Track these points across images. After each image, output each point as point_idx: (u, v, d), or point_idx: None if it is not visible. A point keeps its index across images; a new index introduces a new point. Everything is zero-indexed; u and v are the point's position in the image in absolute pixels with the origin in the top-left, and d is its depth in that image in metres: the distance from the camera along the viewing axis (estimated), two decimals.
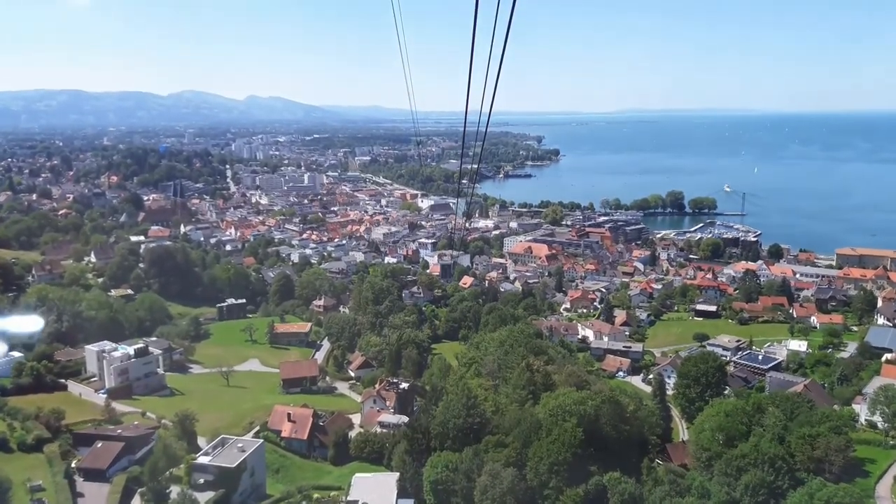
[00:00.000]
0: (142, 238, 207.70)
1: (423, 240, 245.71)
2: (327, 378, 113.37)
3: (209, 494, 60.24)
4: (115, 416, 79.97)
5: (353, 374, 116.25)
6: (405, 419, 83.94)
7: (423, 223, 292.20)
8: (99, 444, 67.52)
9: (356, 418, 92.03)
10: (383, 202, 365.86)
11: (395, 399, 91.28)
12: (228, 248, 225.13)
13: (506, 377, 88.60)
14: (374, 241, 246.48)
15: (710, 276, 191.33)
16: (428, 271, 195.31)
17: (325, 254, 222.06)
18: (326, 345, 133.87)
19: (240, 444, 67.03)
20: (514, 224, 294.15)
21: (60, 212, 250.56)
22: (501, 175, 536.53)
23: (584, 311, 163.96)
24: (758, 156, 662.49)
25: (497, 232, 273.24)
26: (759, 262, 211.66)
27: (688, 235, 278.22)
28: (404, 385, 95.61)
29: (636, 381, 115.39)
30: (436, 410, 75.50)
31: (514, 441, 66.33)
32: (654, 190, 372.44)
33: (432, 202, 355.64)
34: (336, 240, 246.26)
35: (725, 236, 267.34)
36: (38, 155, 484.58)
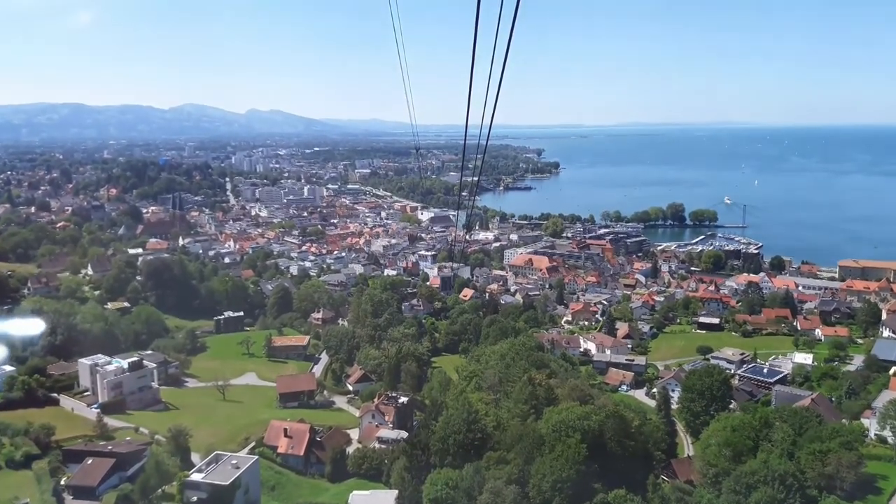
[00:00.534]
0: (140, 250, 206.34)
1: (422, 252, 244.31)
2: (325, 392, 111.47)
3: None
4: (108, 432, 78.19)
5: (351, 387, 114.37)
6: (404, 434, 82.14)
7: (422, 235, 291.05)
8: (89, 461, 65.68)
9: (354, 433, 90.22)
10: (383, 214, 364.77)
11: (393, 414, 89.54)
12: (227, 260, 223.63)
13: (507, 391, 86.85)
14: (374, 253, 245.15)
15: (712, 288, 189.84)
16: (428, 283, 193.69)
17: (325, 266, 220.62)
18: (325, 358, 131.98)
19: (234, 461, 65.14)
20: (514, 236, 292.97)
21: (58, 224, 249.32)
22: (501, 187, 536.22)
23: (586, 323, 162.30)
24: (758, 168, 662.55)
25: (497, 244, 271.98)
26: (761, 274, 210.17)
27: (689, 247, 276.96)
28: (403, 399, 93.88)
29: (639, 394, 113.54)
30: (436, 425, 73.76)
31: (516, 457, 64.61)
32: (654, 202, 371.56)
33: (432, 214, 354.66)
34: (335, 252, 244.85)
35: (727, 248, 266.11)
36: (37, 168, 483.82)
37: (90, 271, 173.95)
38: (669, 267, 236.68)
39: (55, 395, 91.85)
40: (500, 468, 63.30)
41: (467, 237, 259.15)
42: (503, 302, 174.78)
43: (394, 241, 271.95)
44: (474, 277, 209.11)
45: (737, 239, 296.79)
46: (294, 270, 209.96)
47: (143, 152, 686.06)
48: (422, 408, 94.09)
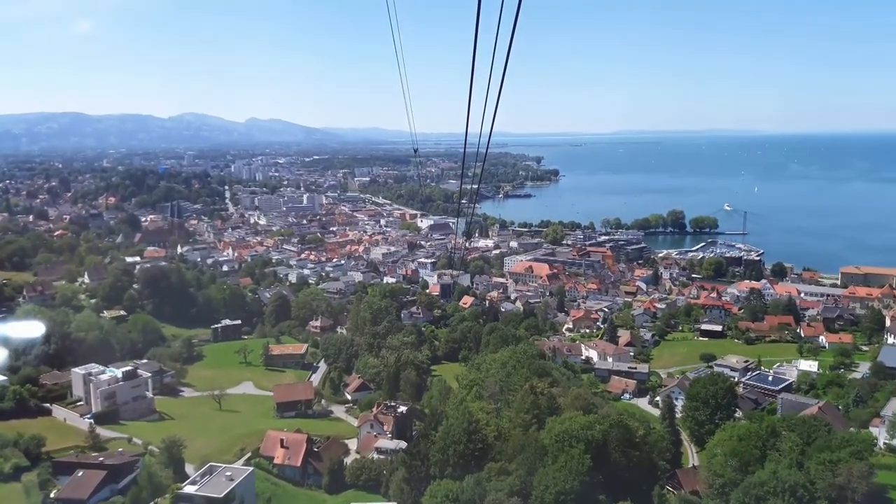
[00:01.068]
0: (137, 259, 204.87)
1: (422, 259, 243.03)
2: (323, 401, 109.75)
3: None
4: (100, 443, 76.46)
5: (349, 396, 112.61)
6: (403, 444, 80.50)
7: (422, 243, 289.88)
8: (80, 473, 64.05)
9: (352, 444, 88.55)
10: (382, 222, 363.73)
11: (392, 423, 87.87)
12: (225, 268, 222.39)
13: (508, 400, 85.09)
14: (373, 261, 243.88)
15: (714, 295, 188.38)
16: (427, 291, 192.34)
17: (324, 274, 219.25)
18: (323, 367, 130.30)
19: (228, 473, 63.59)
20: (514, 243, 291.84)
21: (56, 233, 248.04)
22: (501, 195, 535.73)
23: (587, 331, 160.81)
24: (757, 175, 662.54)
25: (497, 251, 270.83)
26: (763, 281, 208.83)
27: (690, 254, 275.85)
28: (402, 408, 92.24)
29: (642, 403, 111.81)
30: (435, 435, 72.06)
31: (518, 468, 62.93)
32: (654, 210, 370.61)
33: (432, 222, 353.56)
34: (334, 260, 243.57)
35: (728, 255, 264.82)
36: (36, 177, 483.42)
37: (87, 279, 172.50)
38: (670, 274, 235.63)
39: (48, 405, 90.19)
40: (502, 479, 61.63)
41: (467, 244, 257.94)
42: (503, 309, 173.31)
43: (393, 248, 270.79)
44: (474, 285, 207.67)
45: (738, 246, 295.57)
46: (293, 278, 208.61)
47: (142, 161, 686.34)
48: (421, 417, 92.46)
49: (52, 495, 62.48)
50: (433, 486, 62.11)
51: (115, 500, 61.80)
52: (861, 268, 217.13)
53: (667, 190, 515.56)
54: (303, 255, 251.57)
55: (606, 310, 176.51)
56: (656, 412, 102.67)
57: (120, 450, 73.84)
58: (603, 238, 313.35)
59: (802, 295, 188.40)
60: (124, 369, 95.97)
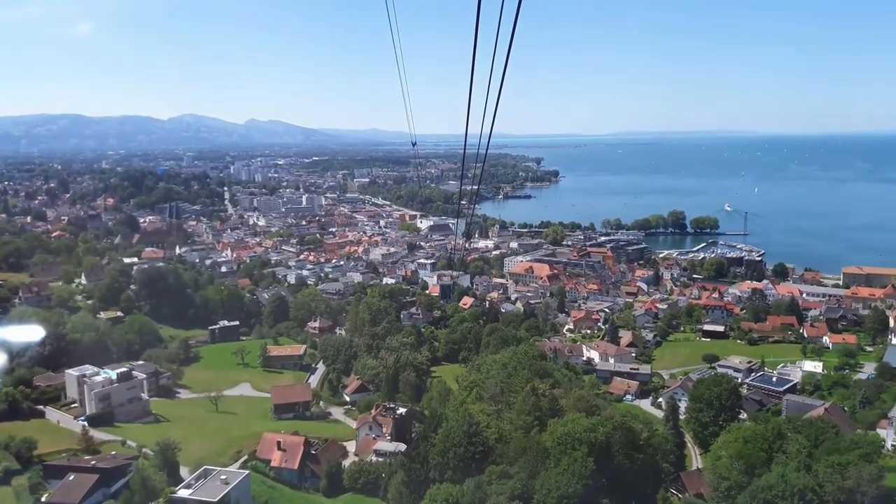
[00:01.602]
0: (135, 259, 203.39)
1: (422, 260, 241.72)
2: (321, 403, 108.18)
3: None
4: (93, 446, 74.77)
5: (348, 398, 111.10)
6: (403, 447, 79.03)
7: (422, 244, 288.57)
8: (71, 477, 62.41)
9: (351, 446, 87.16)
10: (382, 223, 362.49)
11: (391, 425, 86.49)
12: (224, 269, 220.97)
13: (509, 402, 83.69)
14: (373, 261, 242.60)
15: (715, 295, 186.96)
16: (427, 292, 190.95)
17: (323, 275, 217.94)
18: (321, 368, 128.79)
19: (223, 476, 62.02)
20: (514, 244, 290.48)
21: (54, 234, 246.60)
22: (501, 196, 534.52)
23: (588, 331, 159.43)
24: (757, 176, 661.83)
25: (497, 252, 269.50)
26: (765, 281, 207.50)
27: (691, 255, 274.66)
28: (402, 410, 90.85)
29: (645, 404, 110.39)
30: (435, 438, 70.69)
31: (519, 472, 61.50)
32: (654, 210, 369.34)
33: (431, 223, 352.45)
34: (334, 261, 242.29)
35: (729, 256, 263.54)
36: (35, 178, 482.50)
37: (84, 281, 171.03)
38: (671, 274, 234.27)
39: (41, 406, 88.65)
40: (503, 483, 60.21)
41: (467, 245, 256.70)
42: (504, 310, 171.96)
43: (393, 249, 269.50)
44: (474, 286, 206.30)
45: (738, 246, 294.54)
46: (292, 279, 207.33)
47: (141, 162, 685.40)
48: (421, 419, 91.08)
49: (42, 499, 61.00)
50: (433, 489, 60.81)
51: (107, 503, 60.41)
52: (863, 268, 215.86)
53: (667, 191, 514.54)
54: (302, 256, 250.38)
55: (607, 310, 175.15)
56: (659, 414, 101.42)
57: (113, 453, 72.43)
58: (603, 239, 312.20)
59: (804, 295, 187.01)
60: (119, 371, 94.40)
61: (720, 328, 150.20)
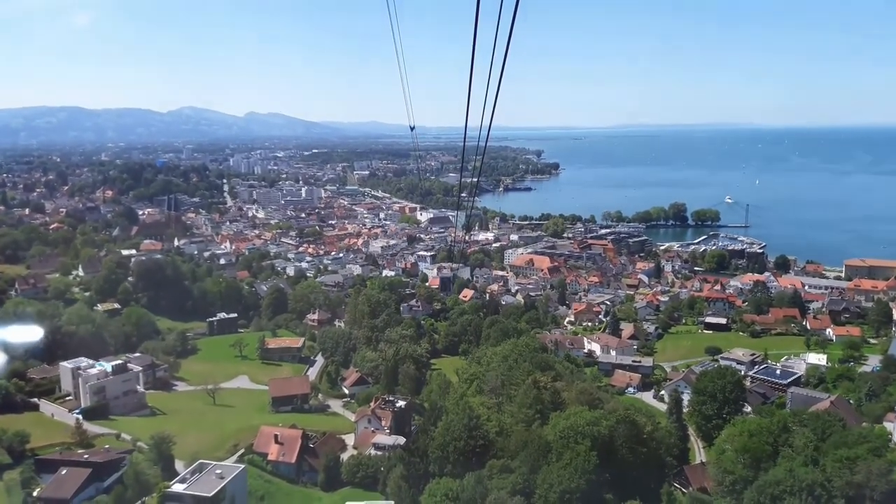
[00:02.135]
0: (133, 251, 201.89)
1: (422, 252, 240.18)
2: (320, 396, 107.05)
3: None
4: (87, 439, 73.69)
5: (347, 391, 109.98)
6: (402, 441, 78.01)
7: (422, 236, 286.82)
8: (63, 471, 61.41)
9: (349, 439, 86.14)
10: (382, 215, 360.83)
11: (391, 418, 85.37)
12: (222, 261, 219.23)
13: (510, 395, 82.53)
14: (372, 254, 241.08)
15: (717, 287, 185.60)
16: (427, 284, 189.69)
17: (322, 267, 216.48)
18: (320, 360, 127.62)
19: (219, 471, 60.94)
20: (514, 236, 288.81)
21: (52, 226, 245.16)
22: (501, 188, 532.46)
23: (589, 324, 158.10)
24: (758, 168, 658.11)
25: (498, 244, 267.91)
26: (767, 273, 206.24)
27: (692, 247, 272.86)
28: (401, 403, 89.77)
29: (647, 397, 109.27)
30: (435, 431, 69.69)
31: (520, 466, 60.40)
32: (655, 202, 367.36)
33: (431, 215, 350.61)
34: (333, 253, 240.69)
35: (730, 248, 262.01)
36: (34, 170, 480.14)
37: (81, 272, 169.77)
38: (672, 267, 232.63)
39: (35, 399, 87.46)
40: (504, 477, 59.17)
41: (467, 237, 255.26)
42: (504, 302, 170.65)
43: (392, 241, 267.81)
44: (474, 278, 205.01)
45: (740, 238, 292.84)
46: (291, 271, 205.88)
47: (140, 155, 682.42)
48: (420, 412, 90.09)
49: (34, 494, 59.91)
50: (432, 483, 59.83)
51: (99, 499, 59.29)
52: (866, 260, 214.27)
53: (667, 183, 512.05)
54: (301, 249, 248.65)
55: (608, 303, 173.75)
56: (662, 406, 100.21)
57: (106, 446, 71.36)
58: (604, 231, 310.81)
59: (807, 287, 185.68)
60: (115, 363, 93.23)
61: (722, 320, 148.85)
